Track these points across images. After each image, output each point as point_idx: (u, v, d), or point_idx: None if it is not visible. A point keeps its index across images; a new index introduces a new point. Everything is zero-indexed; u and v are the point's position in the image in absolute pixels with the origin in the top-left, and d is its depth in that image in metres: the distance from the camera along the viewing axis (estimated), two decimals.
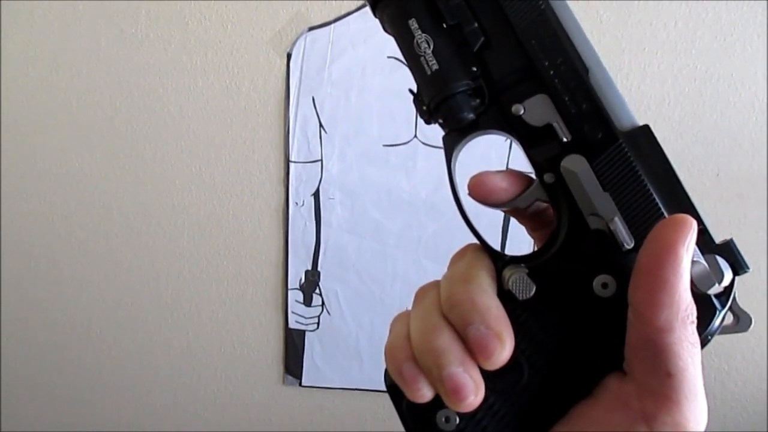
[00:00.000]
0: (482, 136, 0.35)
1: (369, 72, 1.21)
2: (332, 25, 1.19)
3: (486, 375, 0.31)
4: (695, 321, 0.29)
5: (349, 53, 1.20)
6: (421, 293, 0.35)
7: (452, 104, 0.33)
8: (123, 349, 1.44)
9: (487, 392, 0.31)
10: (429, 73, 0.34)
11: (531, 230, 0.37)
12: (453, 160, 0.35)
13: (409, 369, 0.32)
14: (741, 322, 0.31)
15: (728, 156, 1.19)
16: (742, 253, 0.31)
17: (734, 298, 0.31)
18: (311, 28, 1.19)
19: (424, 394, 0.31)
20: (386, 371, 0.34)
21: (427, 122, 0.35)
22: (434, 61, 0.34)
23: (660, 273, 0.28)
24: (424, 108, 0.35)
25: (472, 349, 0.30)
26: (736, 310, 0.31)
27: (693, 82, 1.17)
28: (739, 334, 0.32)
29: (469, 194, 0.34)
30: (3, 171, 1.32)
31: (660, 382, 0.29)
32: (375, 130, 1.23)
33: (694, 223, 0.29)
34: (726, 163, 1.19)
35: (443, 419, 0.33)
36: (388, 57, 1.19)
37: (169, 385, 1.46)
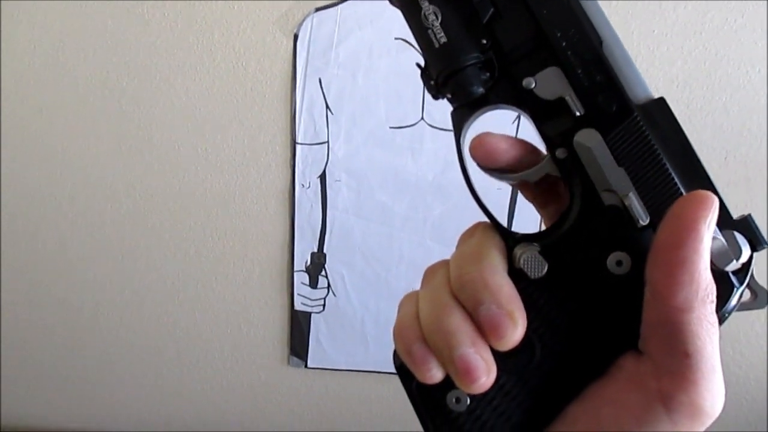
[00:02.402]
0: (491, 112, 0.34)
1: (376, 53, 1.20)
2: (339, 6, 1.18)
3: (497, 355, 0.30)
4: (714, 300, 0.28)
5: (355, 34, 1.19)
6: (430, 272, 0.34)
7: (461, 78, 0.32)
8: (129, 330, 1.45)
9: (499, 372, 0.31)
10: (437, 46, 0.33)
11: (540, 207, 0.36)
12: (462, 136, 0.34)
13: (419, 349, 0.31)
14: (759, 298, 0.31)
15: (737, 139, 1.18)
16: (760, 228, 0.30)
17: (752, 275, 0.30)
18: (318, 9, 1.18)
19: (435, 374, 0.31)
20: (395, 352, 0.33)
21: (435, 97, 0.34)
22: (442, 34, 0.33)
23: (680, 252, 0.28)
24: (432, 83, 0.34)
25: (484, 329, 0.30)
26: (753, 286, 0.31)
27: (702, 64, 1.16)
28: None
29: (471, 155, 0.33)
30: (9, 153, 1.32)
31: (678, 362, 0.28)
32: (382, 112, 1.23)
33: (716, 200, 0.28)
34: (735, 146, 1.19)
35: (454, 400, 0.32)
36: (396, 38, 1.18)
37: (175, 365, 1.47)
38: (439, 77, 0.33)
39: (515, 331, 0.30)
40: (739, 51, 1.15)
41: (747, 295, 0.31)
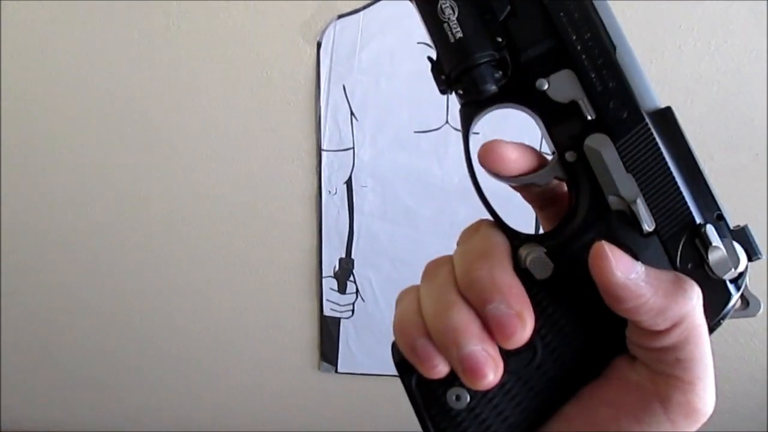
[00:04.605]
0: (499, 110, 0.34)
1: (398, 58, 1.20)
2: (361, 13, 1.19)
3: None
4: (700, 295, 0.29)
5: (378, 40, 1.20)
6: (433, 267, 0.34)
7: (475, 75, 0.32)
8: (160, 337, 1.47)
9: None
10: (452, 40, 0.33)
11: (539, 209, 0.37)
12: (470, 132, 0.34)
13: (423, 345, 0.31)
14: (751, 306, 0.31)
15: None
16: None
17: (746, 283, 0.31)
18: (340, 16, 1.19)
19: (441, 370, 0.31)
20: (394, 346, 0.33)
21: (443, 92, 0.34)
22: (458, 29, 0.32)
23: (626, 306, 0.29)
24: (443, 77, 0.34)
25: (492, 328, 0.30)
26: (746, 294, 0.31)
27: (731, 60, 1.14)
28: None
29: (479, 162, 0.33)
30: (40, 164, 1.35)
31: (670, 366, 0.29)
32: (406, 117, 1.23)
33: (603, 245, 0.29)
34: (765, 141, 1.16)
35: (454, 397, 0.32)
36: (418, 43, 1.18)
37: (206, 372, 1.49)
38: (451, 72, 0.33)
39: (524, 331, 0.29)
40: None
41: (738, 303, 0.32)
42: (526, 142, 0.33)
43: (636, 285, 0.28)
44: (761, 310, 0.32)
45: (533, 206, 0.37)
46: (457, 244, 0.34)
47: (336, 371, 1.41)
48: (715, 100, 1.16)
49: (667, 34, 1.13)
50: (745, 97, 1.15)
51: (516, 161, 0.33)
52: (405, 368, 0.33)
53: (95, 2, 1.21)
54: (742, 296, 0.31)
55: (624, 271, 0.29)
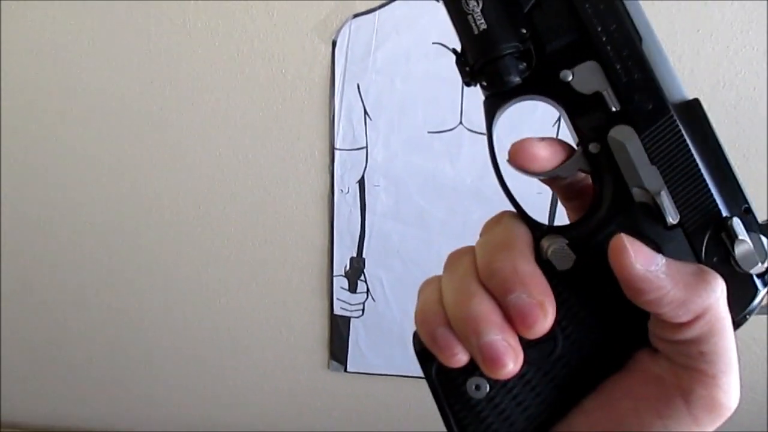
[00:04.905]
0: (525, 102, 0.34)
1: (414, 58, 1.20)
2: (377, 12, 1.19)
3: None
4: (723, 288, 0.29)
5: (393, 39, 1.19)
6: (456, 257, 0.34)
7: (499, 66, 0.32)
8: (171, 336, 1.47)
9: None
10: (476, 32, 0.32)
11: (565, 200, 0.36)
12: (494, 124, 0.34)
13: (443, 334, 0.31)
14: None
15: None
16: None
17: None
18: (356, 15, 1.19)
19: (460, 359, 0.31)
20: (415, 336, 0.33)
21: (468, 84, 0.34)
22: (483, 20, 0.32)
23: (646, 298, 0.28)
24: (467, 69, 0.34)
25: (514, 317, 0.30)
26: None
27: (750, 64, 1.12)
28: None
29: (509, 161, 0.33)
30: (57, 159, 1.36)
31: (693, 360, 0.29)
32: (420, 117, 1.23)
33: (622, 238, 0.29)
34: None
35: (473, 387, 0.32)
36: (433, 43, 1.18)
37: (216, 371, 1.50)
38: (475, 64, 0.33)
39: (545, 320, 0.29)
40: None
41: (766, 300, 0.31)
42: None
43: (656, 277, 0.28)
44: None
45: (559, 197, 0.37)
46: (480, 235, 0.34)
47: (345, 370, 1.41)
48: (733, 106, 1.14)
49: (685, 37, 1.12)
50: (764, 103, 1.14)
51: (549, 159, 0.33)
52: (425, 357, 0.33)
53: (109, 2, 1.21)
54: None
55: (644, 263, 0.28)
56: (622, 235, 0.29)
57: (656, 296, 0.28)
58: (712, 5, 1.11)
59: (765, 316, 0.32)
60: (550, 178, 0.34)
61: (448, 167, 1.24)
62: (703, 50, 1.13)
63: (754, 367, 1.28)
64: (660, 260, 0.29)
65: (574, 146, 0.34)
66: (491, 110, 0.34)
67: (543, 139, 0.33)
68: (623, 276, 0.29)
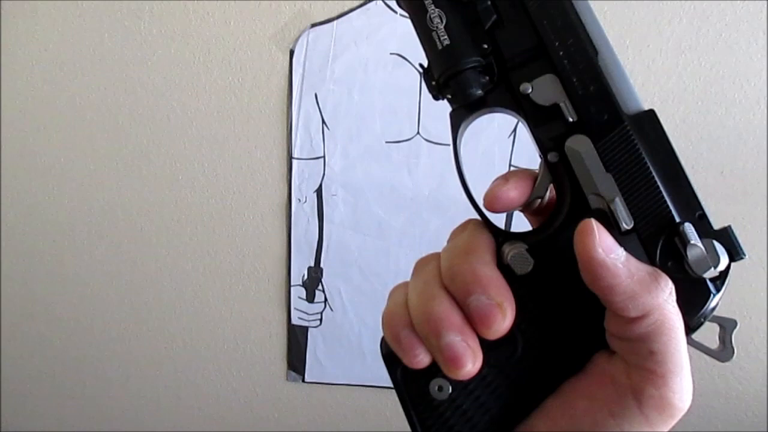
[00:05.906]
0: (488, 115, 0.35)
1: (371, 69, 1.20)
2: (335, 22, 1.19)
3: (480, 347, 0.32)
4: (672, 290, 0.30)
5: (351, 50, 1.20)
6: (421, 264, 0.35)
7: (461, 80, 0.34)
8: (126, 346, 1.44)
9: (481, 364, 0.32)
10: (440, 47, 0.34)
11: (530, 214, 0.38)
12: (459, 135, 0.35)
13: (406, 336, 0.32)
14: (725, 351, 0.32)
15: (733, 154, 1.18)
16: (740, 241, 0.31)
17: (734, 328, 0.32)
18: (314, 25, 1.19)
19: (422, 360, 0.32)
20: (383, 339, 0.34)
21: (435, 98, 0.36)
22: (446, 36, 0.34)
23: (601, 283, 0.29)
24: (433, 83, 0.35)
25: (473, 318, 0.31)
26: (725, 340, 0.32)
27: (697, 79, 1.16)
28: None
29: (487, 209, 0.34)
30: (4, 168, 1.32)
31: (644, 359, 0.30)
32: (377, 127, 1.23)
33: (591, 222, 0.30)
34: (731, 161, 1.19)
35: (436, 388, 0.33)
36: (391, 54, 1.18)
37: (172, 381, 1.47)
38: (440, 78, 0.34)
39: (504, 321, 0.31)
40: (734, 66, 1.15)
41: (716, 343, 0.32)
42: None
43: (614, 265, 0.29)
44: (733, 358, 0.32)
45: (524, 213, 0.38)
46: (447, 242, 0.36)
47: (303, 380, 1.40)
48: (682, 119, 1.18)
49: (636, 52, 1.15)
50: (711, 117, 1.17)
51: (521, 193, 0.34)
52: (391, 360, 0.34)
53: (67, 6, 1.19)
54: (722, 340, 0.32)
55: (605, 249, 0.30)
56: (592, 219, 0.30)
57: (610, 283, 0.29)
58: (661, 22, 1.14)
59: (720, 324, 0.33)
60: (528, 204, 0.35)
61: (406, 177, 1.25)
62: (654, 65, 1.16)
63: (754, 368, 1.28)
64: (621, 252, 0.30)
65: (532, 168, 0.35)
66: (456, 122, 0.35)
67: (507, 178, 0.34)
68: (584, 257, 0.30)
